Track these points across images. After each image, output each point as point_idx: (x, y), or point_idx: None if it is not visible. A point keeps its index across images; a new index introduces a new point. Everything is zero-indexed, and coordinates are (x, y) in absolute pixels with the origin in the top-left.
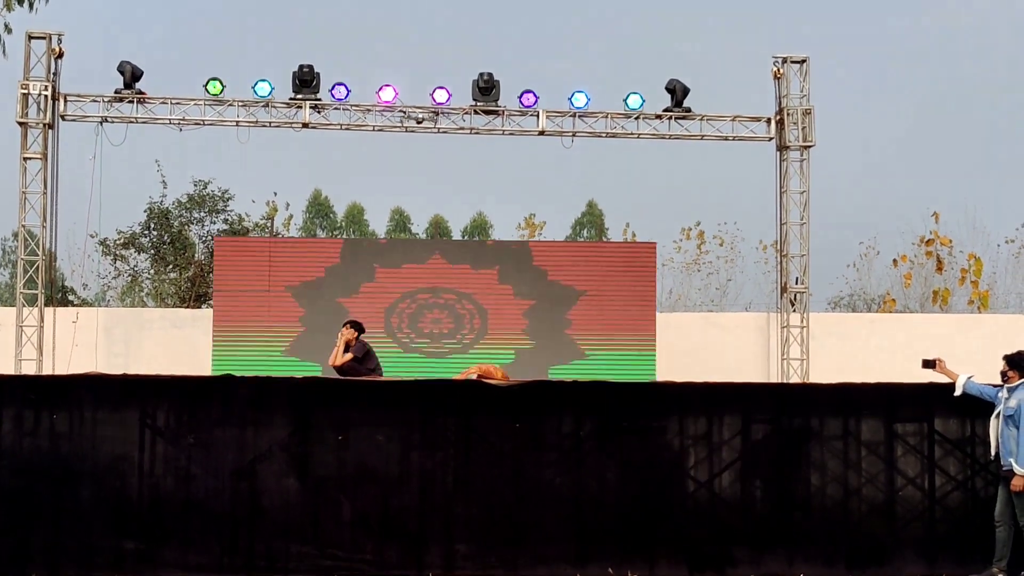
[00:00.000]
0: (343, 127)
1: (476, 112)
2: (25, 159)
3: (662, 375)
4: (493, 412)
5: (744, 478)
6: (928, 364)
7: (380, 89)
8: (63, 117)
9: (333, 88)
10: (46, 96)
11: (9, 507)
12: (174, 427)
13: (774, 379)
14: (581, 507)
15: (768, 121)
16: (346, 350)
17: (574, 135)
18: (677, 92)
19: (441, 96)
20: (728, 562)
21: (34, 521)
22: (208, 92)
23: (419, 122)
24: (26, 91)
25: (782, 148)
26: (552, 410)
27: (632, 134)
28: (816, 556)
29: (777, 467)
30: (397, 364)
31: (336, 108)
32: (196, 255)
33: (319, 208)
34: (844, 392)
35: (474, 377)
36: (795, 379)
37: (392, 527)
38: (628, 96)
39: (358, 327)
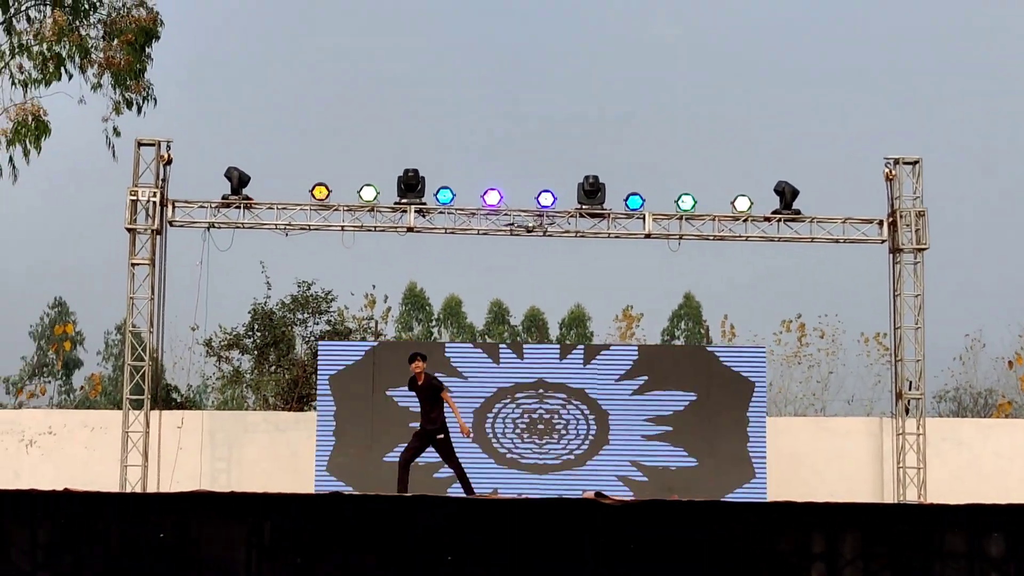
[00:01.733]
0: (448, 231)
1: (581, 215)
2: (133, 265)
3: (772, 483)
4: (611, 532)
5: None
6: None
7: (485, 193)
8: (171, 223)
9: (438, 192)
10: (154, 203)
11: None
12: (281, 547)
13: (889, 487)
14: None
15: (880, 223)
16: (425, 384)
17: (681, 238)
18: (786, 194)
19: (546, 199)
20: None
21: None
22: (314, 197)
23: (529, 230)
24: (135, 198)
25: (895, 251)
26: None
27: (740, 236)
28: None
29: None
30: (499, 476)
31: (441, 212)
32: (299, 356)
33: (415, 300)
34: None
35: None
36: (912, 488)
37: None
38: (736, 198)
39: (424, 357)
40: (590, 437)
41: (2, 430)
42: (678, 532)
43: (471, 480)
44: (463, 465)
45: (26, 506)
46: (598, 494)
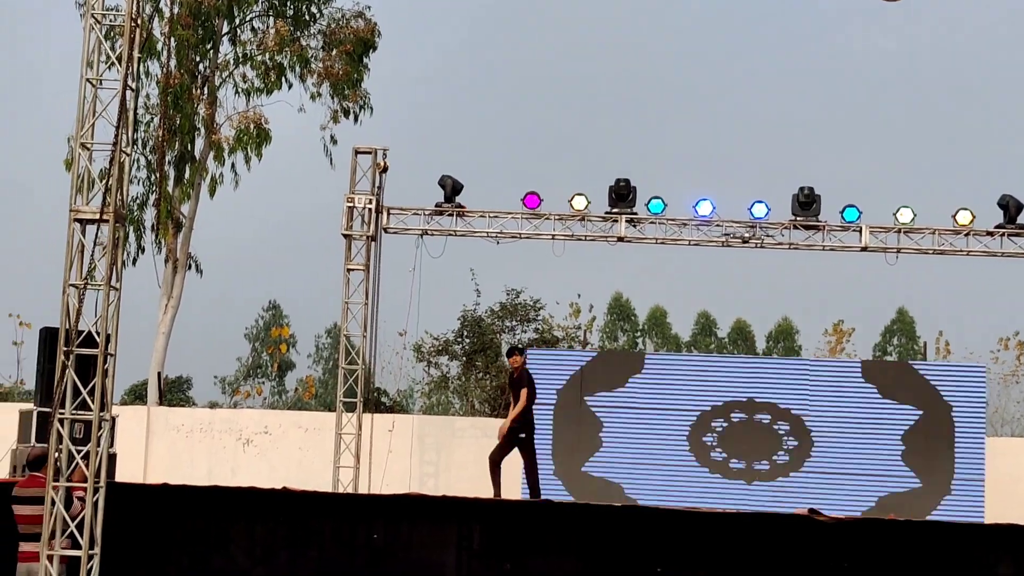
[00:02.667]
0: (659, 241)
1: (795, 227)
2: (348, 270)
3: (990, 504)
4: (818, 549)
5: None
6: None
7: (696, 203)
8: (385, 230)
9: (649, 202)
10: (370, 210)
11: None
12: (491, 552)
13: None
14: None
15: None
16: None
17: (899, 251)
18: (1010, 208)
19: (760, 210)
20: None
21: None
22: (525, 207)
23: (744, 241)
24: (352, 204)
25: None
26: (880, 548)
27: (960, 251)
28: None
29: None
30: (706, 488)
31: (652, 222)
32: (506, 363)
33: (621, 310)
34: None
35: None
36: None
37: None
38: (957, 211)
39: (522, 352)
40: (801, 451)
41: (221, 428)
42: (893, 551)
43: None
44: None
45: (246, 503)
46: (812, 511)
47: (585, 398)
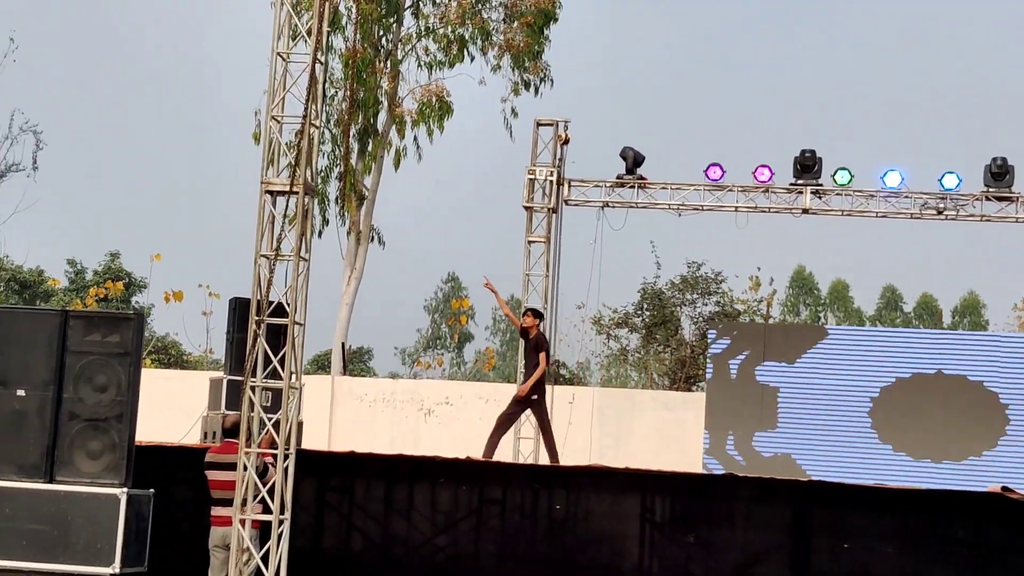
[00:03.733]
0: (844, 213)
1: (987, 198)
2: (529, 242)
3: None
4: (1016, 529)
5: None
6: None
7: (885, 174)
8: (566, 202)
9: (835, 173)
10: (551, 182)
11: None
12: (674, 524)
13: None
14: None
15: None
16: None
17: None
18: None
19: (950, 181)
20: None
21: None
22: (708, 179)
23: (939, 212)
24: (533, 176)
25: None
26: None
27: None
28: None
29: None
30: (889, 465)
31: (838, 194)
32: (686, 336)
33: (802, 284)
34: None
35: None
36: None
37: None
38: None
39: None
40: (995, 429)
41: (403, 399)
42: None
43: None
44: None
45: (430, 472)
46: (1005, 488)
47: (759, 371)
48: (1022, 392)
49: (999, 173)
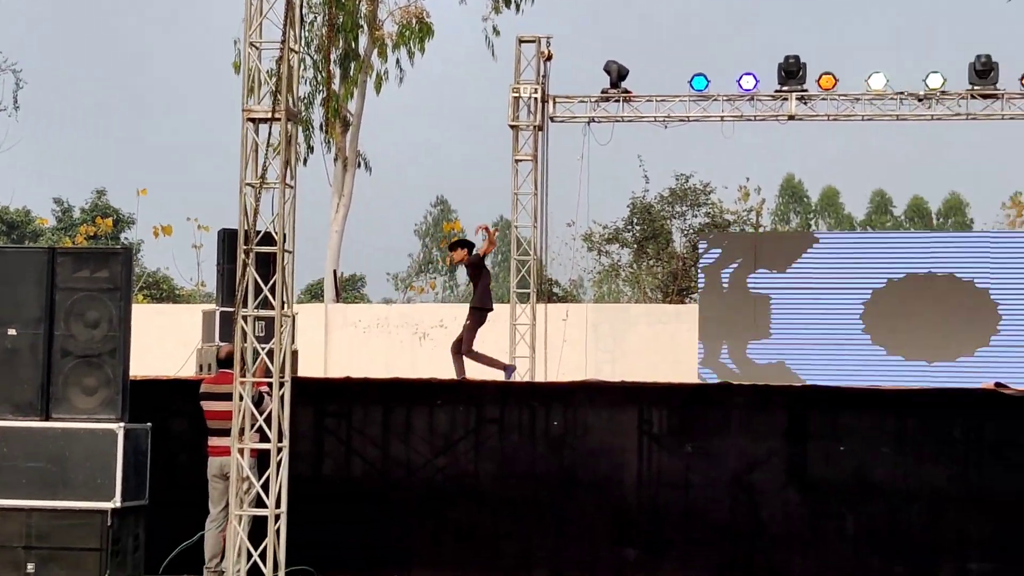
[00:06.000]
0: (830, 118)
1: (972, 96)
2: (516, 161)
3: None
4: (1011, 423)
5: None
6: None
7: (868, 77)
8: (552, 119)
9: (820, 78)
10: (536, 99)
11: (514, 511)
12: (672, 435)
13: None
14: None
15: None
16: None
17: None
18: None
19: (935, 80)
20: None
21: (538, 526)
22: (693, 88)
23: (920, 100)
24: (517, 95)
25: None
26: None
27: None
28: None
29: None
30: (882, 368)
31: (823, 99)
32: (678, 249)
33: (792, 192)
34: None
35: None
36: None
37: (899, 543)
38: None
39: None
40: (987, 326)
41: (397, 323)
42: None
43: None
44: None
45: (426, 394)
46: (999, 384)
47: (750, 280)
48: (1013, 289)
49: (983, 71)
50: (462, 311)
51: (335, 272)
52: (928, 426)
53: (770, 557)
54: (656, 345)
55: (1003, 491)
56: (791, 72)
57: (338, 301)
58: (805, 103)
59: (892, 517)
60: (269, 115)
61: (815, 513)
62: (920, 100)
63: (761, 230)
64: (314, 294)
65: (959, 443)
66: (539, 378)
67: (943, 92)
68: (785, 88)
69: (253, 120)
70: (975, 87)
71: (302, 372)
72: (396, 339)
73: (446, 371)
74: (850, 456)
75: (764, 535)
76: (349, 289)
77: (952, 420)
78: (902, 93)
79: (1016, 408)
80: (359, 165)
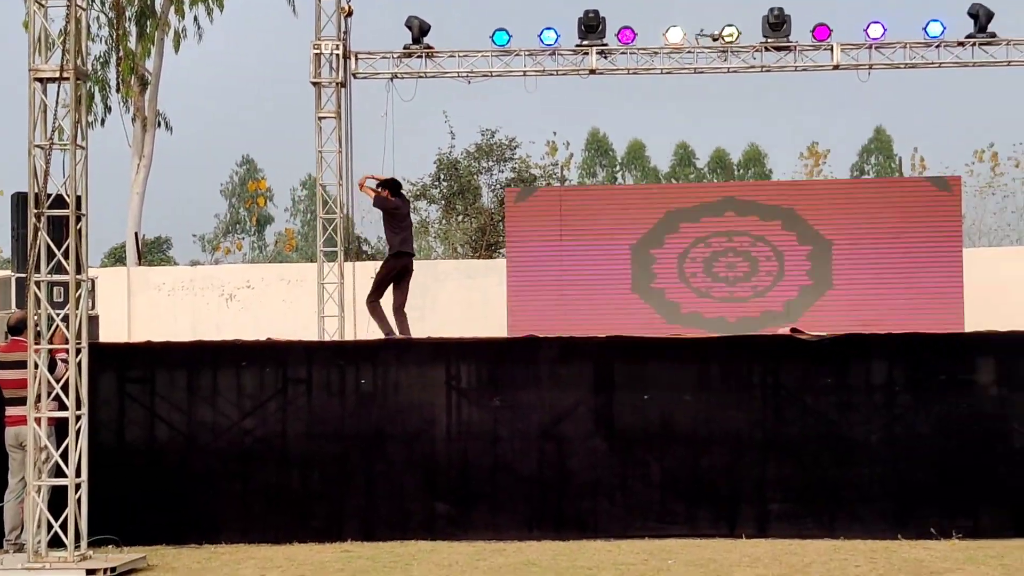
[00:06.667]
0: (630, 71)
1: (767, 49)
2: (320, 118)
3: (971, 314)
4: (802, 367)
5: None
6: None
7: (667, 31)
8: (355, 75)
9: (620, 32)
10: (337, 55)
11: (323, 471)
12: (480, 389)
13: None
14: (897, 464)
15: None
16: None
17: (871, 68)
18: (980, 17)
19: (730, 33)
20: None
21: (348, 485)
22: (494, 43)
23: (714, 39)
24: (318, 51)
25: None
26: (863, 364)
27: (932, 63)
28: None
29: None
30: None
31: (623, 53)
32: (485, 204)
33: (598, 145)
34: None
35: (785, 331)
36: None
37: (702, 488)
38: (928, 24)
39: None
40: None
41: (202, 285)
42: (876, 365)
43: None
44: None
45: (231, 356)
46: (794, 330)
47: (565, 235)
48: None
49: (776, 23)
50: (269, 271)
51: (136, 235)
52: (728, 372)
53: (578, 506)
54: (466, 300)
55: (800, 434)
56: (591, 26)
57: (141, 264)
58: (606, 57)
59: (695, 462)
60: (57, 74)
61: (622, 461)
62: (717, 53)
63: (567, 183)
64: (119, 258)
65: (757, 388)
66: (349, 337)
67: (739, 45)
68: (585, 43)
69: (41, 80)
70: (768, 40)
71: (104, 338)
72: (202, 301)
73: (254, 332)
74: (654, 404)
75: (571, 485)
76: (155, 252)
77: (751, 366)
78: (699, 46)
79: (811, 353)
80: (159, 125)
